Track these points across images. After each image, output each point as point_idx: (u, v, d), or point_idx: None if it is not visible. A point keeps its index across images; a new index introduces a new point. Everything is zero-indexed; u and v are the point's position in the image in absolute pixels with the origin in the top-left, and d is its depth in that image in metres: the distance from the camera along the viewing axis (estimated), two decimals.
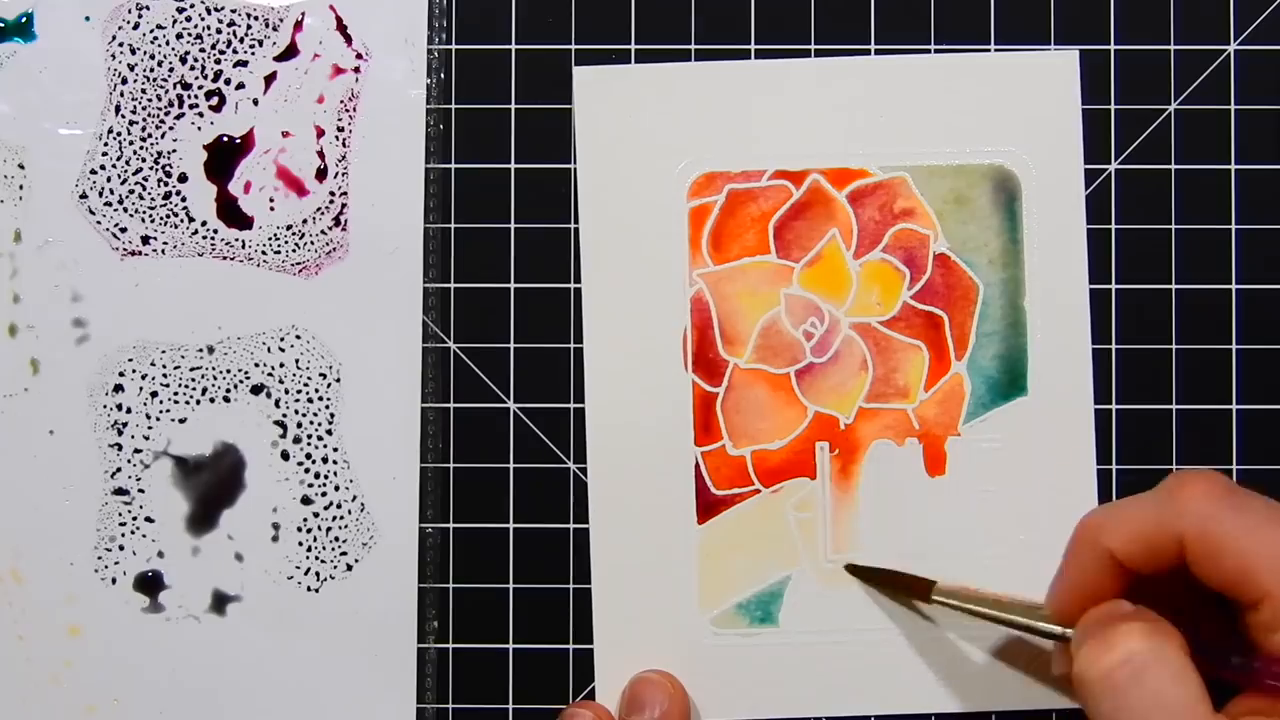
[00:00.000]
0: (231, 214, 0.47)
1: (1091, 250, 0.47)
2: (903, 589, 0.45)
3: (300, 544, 0.46)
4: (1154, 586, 0.37)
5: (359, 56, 0.47)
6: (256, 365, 0.46)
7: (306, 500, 0.46)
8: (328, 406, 0.46)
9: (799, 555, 0.46)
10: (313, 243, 0.46)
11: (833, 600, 0.46)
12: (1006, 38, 0.47)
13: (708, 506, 0.46)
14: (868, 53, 0.47)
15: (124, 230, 0.47)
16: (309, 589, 0.46)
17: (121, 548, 0.46)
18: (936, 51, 0.47)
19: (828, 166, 0.47)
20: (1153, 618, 0.36)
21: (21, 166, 0.47)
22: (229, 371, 0.46)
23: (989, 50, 0.47)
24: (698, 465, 0.46)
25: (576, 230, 0.47)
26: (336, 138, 0.46)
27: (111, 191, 0.47)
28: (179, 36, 0.47)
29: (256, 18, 0.47)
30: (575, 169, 0.47)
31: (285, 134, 0.47)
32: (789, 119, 0.47)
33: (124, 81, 0.47)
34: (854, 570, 0.46)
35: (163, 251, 0.47)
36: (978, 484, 0.46)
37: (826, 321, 0.47)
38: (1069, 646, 0.38)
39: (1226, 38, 0.47)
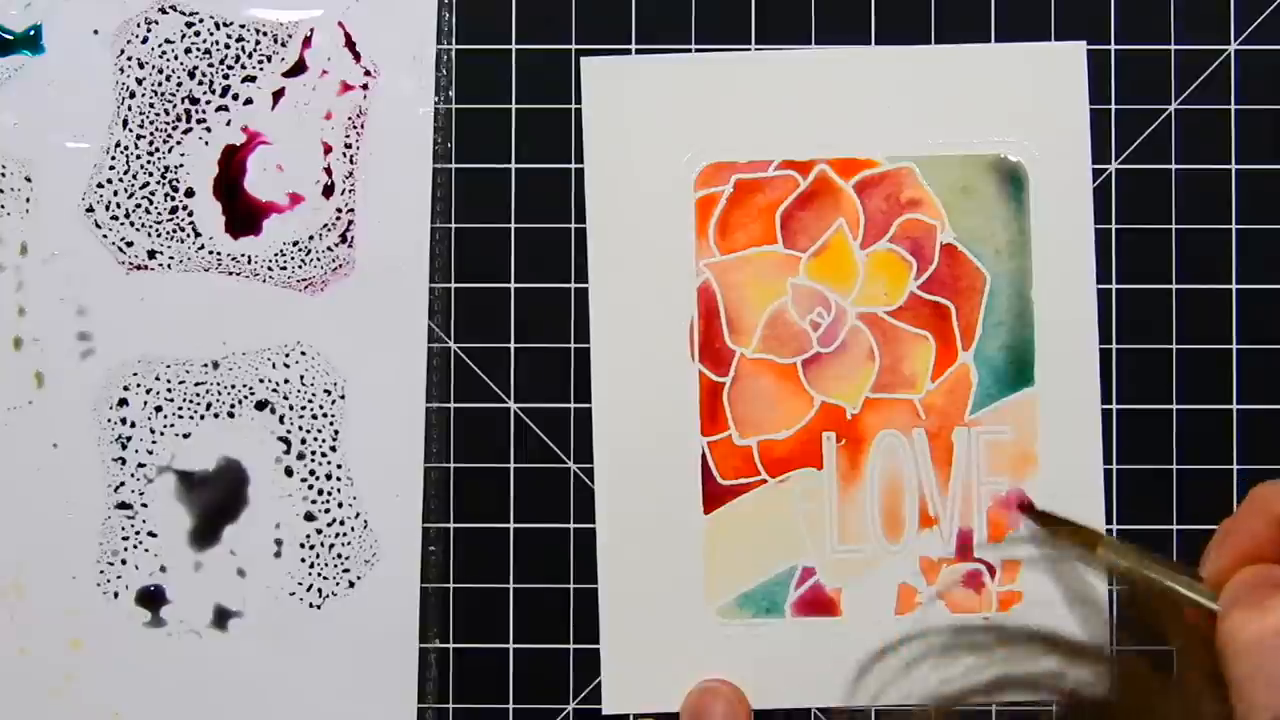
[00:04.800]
0: (238, 229, 0.47)
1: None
2: (1071, 538, 0.44)
3: (303, 560, 0.46)
4: None
5: (367, 73, 0.47)
6: (261, 381, 0.46)
7: (310, 516, 0.46)
8: (332, 423, 0.46)
9: (805, 546, 0.46)
10: (319, 259, 0.46)
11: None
12: (1006, 37, 0.47)
13: (714, 497, 0.46)
14: None
15: (130, 244, 0.47)
16: (311, 605, 0.46)
17: (124, 562, 0.46)
18: None
19: (834, 156, 0.47)
20: None
21: (28, 179, 0.47)
22: (233, 387, 0.46)
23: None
24: (704, 455, 0.46)
25: (578, 230, 0.47)
26: (344, 154, 0.47)
27: (118, 205, 0.47)
28: (187, 51, 0.47)
29: (265, 33, 0.47)
30: (577, 168, 0.47)
31: (293, 150, 0.47)
32: (795, 109, 0.47)
33: (131, 95, 0.47)
34: (1027, 511, 0.45)
35: (169, 266, 0.47)
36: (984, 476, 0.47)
37: (833, 311, 0.47)
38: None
39: (1226, 38, 0.47)
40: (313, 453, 0.46)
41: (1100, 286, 0.47)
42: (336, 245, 0.46)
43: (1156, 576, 0.40)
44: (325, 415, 0.46)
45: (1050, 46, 0.47)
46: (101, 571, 0.46)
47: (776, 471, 0.47)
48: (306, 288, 0.46)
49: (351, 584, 0.46)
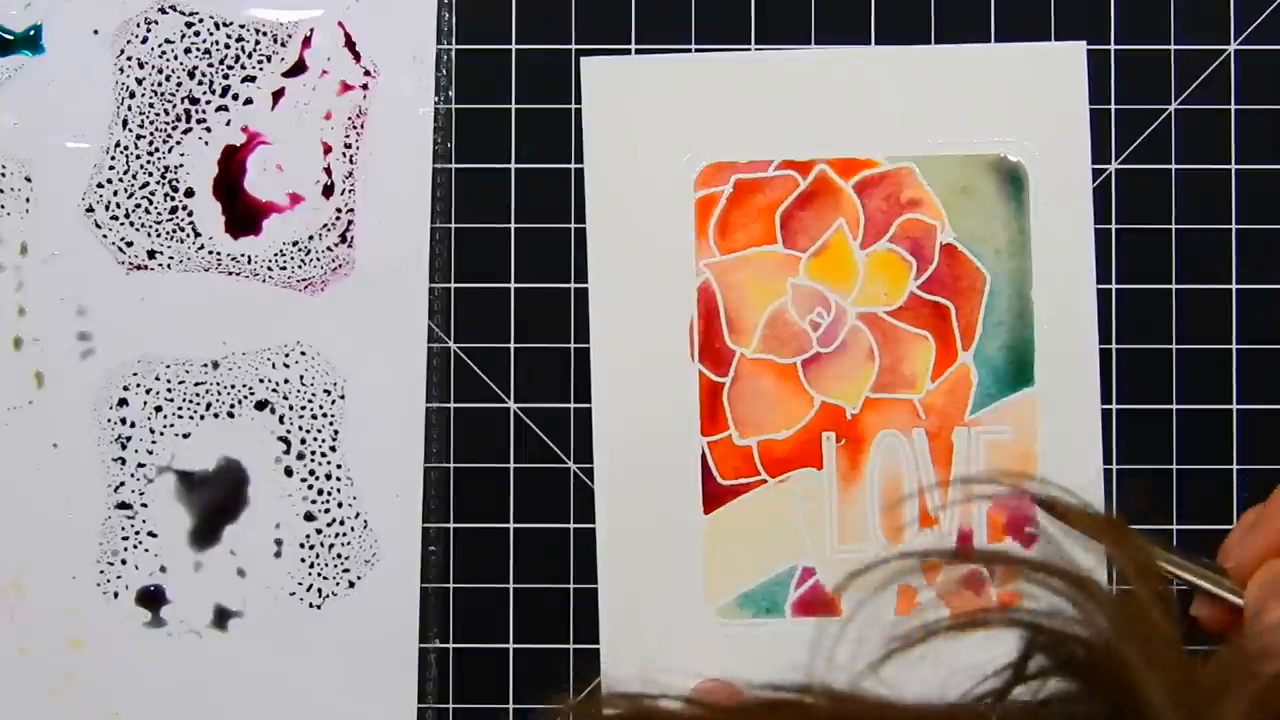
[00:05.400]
0: (238, 229, 0.47)
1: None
2: (1089, 529, 0.44)
3: (303, 560, 0.46)
4: None
5: (367, 73, 0.47)
6: (261, 381, 0.46)
7: (309, 516, 0.46)
8: (331, 423, 0.46)
9: (805, 546, 0.46)
10: (319, 259, 0.46)
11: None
12: (1006, 37, 0.47)
13: (714, 497, 0.46)
14: None
15: (130, 244, 0.47)
16: (311, 605, 0.46)
17: (124, 562, 0.46)
18: None
19: (834, 156, 0.47)
20: None
21: (29, 179, 0.47)
22: (233, 387, 0.46)
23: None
24: (704, 455, 0.46)
25: (578, 230, 0.47)
26: (344, 154, 0.47)
27: (118, 205, 0.47)
28: (187, 51, 0.47)
29: (265, 33, 0.47)
30: (577, 168, 0.47)
31: (292, 150, 0.47)
32: (795, 109, 0.47)
33: (131, 95, 0.47)
34: (1041, 504, 0.45)
35: (168, 266, 0.47)
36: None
37: (833, 311, 0.47)
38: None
39: (1226, 38, 0.47)
40: (313, 453, 0.46)
41: (1100, 286, 0.47)
42: (336, 245, 0.46)
43: (1177, 570, 0.39)
44: (325, 415, 0.46)
45: (1050, 46, 0.47)
46: (101, 571, 0.46)
47: (776, 471, 0.47)
48: (306, 288, 0.46)
49: (351, 584, 0.46)
